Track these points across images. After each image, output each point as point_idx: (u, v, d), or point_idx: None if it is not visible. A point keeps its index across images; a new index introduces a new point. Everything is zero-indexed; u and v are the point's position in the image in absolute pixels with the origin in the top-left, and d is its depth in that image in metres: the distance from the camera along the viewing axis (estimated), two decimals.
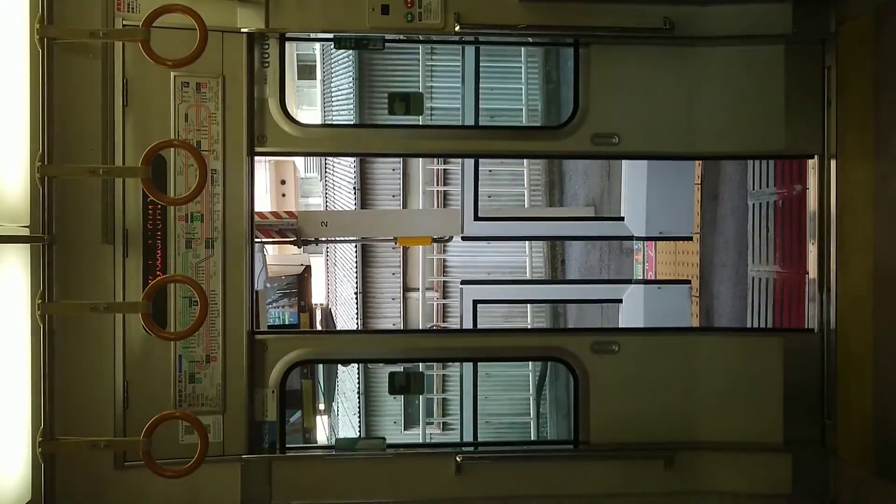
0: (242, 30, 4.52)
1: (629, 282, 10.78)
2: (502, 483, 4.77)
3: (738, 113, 4.85)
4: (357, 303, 16.60)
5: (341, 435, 16.32)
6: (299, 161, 22.80)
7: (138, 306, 3.95)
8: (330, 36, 4.84)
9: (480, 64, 10.59)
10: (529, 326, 15.65)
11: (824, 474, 4.73)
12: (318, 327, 17.13)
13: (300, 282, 18.69)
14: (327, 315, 18.32)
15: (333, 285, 18.79)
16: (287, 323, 15.94)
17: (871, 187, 4.42)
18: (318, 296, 19.45)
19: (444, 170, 16.00)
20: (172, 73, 4.40)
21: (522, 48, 14.11)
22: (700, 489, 4.81)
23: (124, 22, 4.32)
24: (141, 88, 4.40)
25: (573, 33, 4.80)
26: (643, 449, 4.82)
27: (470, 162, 9.14)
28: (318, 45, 15.72)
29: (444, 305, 16.66)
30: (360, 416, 15.98)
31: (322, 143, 5.05)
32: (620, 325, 9.70)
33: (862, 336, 4.50)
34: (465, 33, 4.69)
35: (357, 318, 16.42)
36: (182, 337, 4.30)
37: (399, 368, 5.64)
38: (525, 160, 15.42)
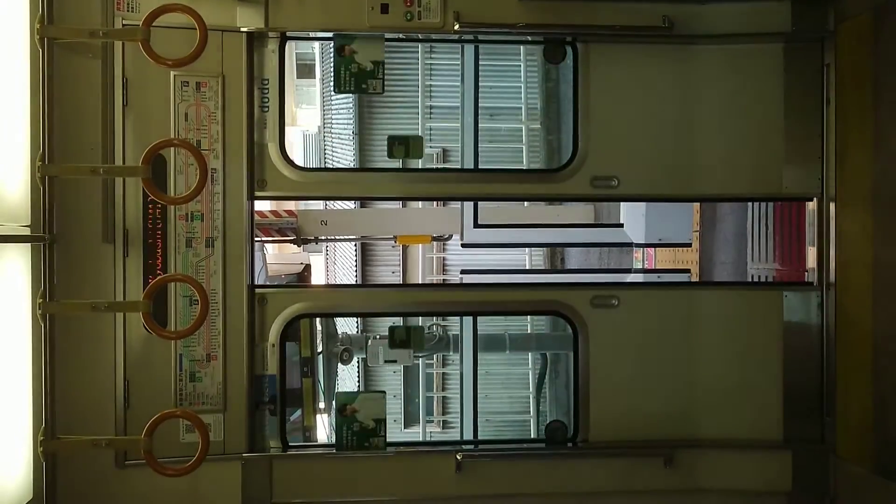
0: (242, 29, 4.52)
1: (629, 271, 10.79)
2: (502, 481, 4.77)
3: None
4: None
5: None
6: (299, 160, 22.77)
7: (139, 305, 3.96)
8: (330, 35, 4.83)
9: (480, 64, 10.56)
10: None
11: (824, 472, 4.73)
12: (318, 327, 17.09)
13: (300, 280, 18.73)
14: None
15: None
16: None
17: (871, 185, 4.43)
18: None
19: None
20: (172, 73, 4.40)
21: (522, 47, 14.09)
22: (700, 487, 4.81)
23: (124, 22, 4.32)
24: (141, 88, 4.40)
25: (572, 32, 4.80)
26: (643, 447, 4.82)
27: (470, 166, 9.14)
28: (317, 44, 15.71)
29: None
30: None
31: (322, 186, 5.12)
32: None
33: (862, 334, 4.51)
34: (465, 32, 4.68)
35: (357, 318, 16.35)
36: (183, 336, 4.31)
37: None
38: (524, 156, 15.41)
